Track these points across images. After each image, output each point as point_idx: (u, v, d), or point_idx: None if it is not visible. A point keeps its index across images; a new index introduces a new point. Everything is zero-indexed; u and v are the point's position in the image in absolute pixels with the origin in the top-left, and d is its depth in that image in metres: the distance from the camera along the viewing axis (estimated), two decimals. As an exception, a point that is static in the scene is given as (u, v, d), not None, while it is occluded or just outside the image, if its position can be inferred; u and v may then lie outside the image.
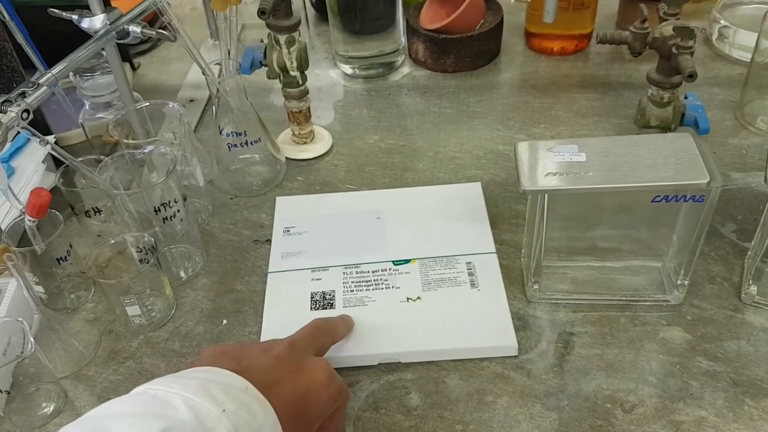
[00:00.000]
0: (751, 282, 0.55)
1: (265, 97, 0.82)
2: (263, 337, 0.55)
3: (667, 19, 0.62)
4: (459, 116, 0.79)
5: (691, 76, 0.57)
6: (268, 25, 0.65)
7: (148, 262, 0.56)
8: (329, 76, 0.86)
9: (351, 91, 0.84)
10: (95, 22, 0.61)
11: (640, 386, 0.51)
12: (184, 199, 0.59)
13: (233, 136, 0.66)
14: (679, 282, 0.55)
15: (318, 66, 0.88)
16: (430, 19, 0.85)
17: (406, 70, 0.86)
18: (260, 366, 0.43)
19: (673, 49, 0.59)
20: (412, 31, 0.85)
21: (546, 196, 0.51)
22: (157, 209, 0.56)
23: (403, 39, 0.85)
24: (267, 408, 0.38)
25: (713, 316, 0.55)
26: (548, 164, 0.50)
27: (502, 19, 0.84)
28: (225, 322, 0.58)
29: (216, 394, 0.37)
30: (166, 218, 0.57)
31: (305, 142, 0.74)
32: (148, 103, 0.64)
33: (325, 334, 0.51)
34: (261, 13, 0.58)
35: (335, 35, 0.83)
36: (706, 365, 0.52)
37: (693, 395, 0.50)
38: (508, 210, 0.66)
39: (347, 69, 0.85)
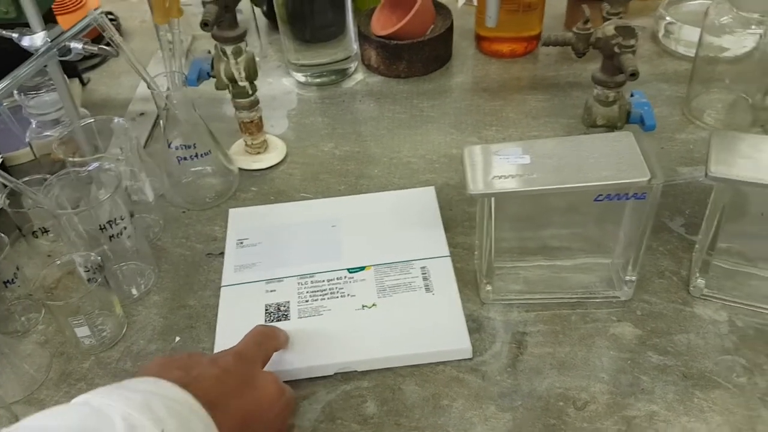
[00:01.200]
0: (698, 275, 0.56)
1: (217, 107, 0.82)
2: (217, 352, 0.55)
3: (609, 19, 0.63)
4: (413, 121, 0.79)
5: (634, 75, 0.58)
6: (214, 37, 0.64)
7: (97, 281, 0.55)
8: (282, 85, 0.86)
9: (305, 99, 0.83)
10: (36, 40, 0.60)
11: (591, 383, 0.51)
12: (132, 216, 0.58)
13: (182, 149, 0.65)
14: (627, 278, 0.56)
15: (271, 74, 0.87)
16: (381, 25, 0.85)
17: (359, 76, 0.86)
18: (207, 378, 0.42)
19: (616, 49, 0.59)
20: (363, 37, 0.85)
21: (493, 199, 0.52)
22: (102, 227, 0.55)
23: (355, 46, 0.86)
24: (209, 427, 0.38)
25: (662, 310, 0.56)
26: (494, 167, 0.51)
27: (452, 23, 0.85)
28: (178, 339, 0.57)
29: (157, 410, 0.36)
30: (113, 236, 0.56)
31: (259, 152, 0.73)
32: (92, 120, 0.63)
33: (269, 339, 0.51)
34: (204, 24, 0.57)
35: (286, 44, 0.83)
36: (657, 359, 0.53)
37: (644, 390, 0.51)
38: (461, 213, 0.66)
39: (300, 77, 0.85)
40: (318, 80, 0.85)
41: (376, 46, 0.83)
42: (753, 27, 0.67)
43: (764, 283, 0.56)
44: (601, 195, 0.49)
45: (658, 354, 0.53)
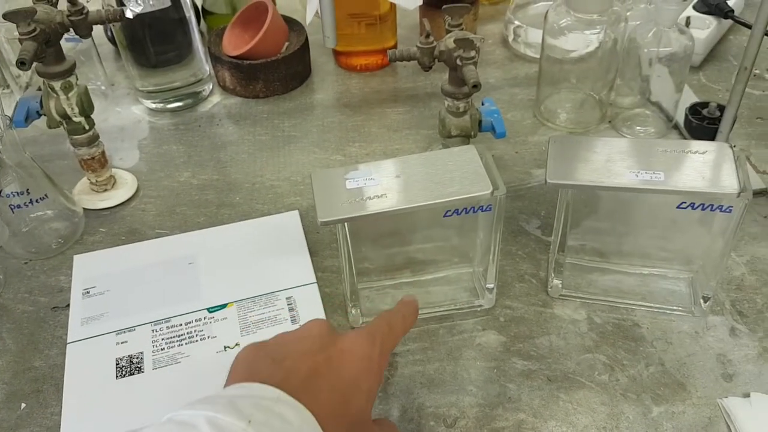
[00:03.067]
0: (553, 275, 0.57)
1: (60, 144, 0.76)
2: (65, 417, 0.50)
3: (451, 31, 0.63)
4: (274, 142, 0.77)
5: (476, 87, 0.58)
6: (39, 73, 0.59)
7: None
8: (132, 113, 0.81)
9: (157, 127, 0.79)
10: None
11: (461, 397, 0.51)
12: (-43, 277, 0.52)
13: (15, 196, 0.59)
14: (488, 285, 0.56)
15: (120, 103, 0.82)
16: (233, 45, 0.82)
17: (216, 98, 0.83)
18: (295, 355, 0.40)
19: (458, 61, 0.60)
20: (215, 58, 0.81)
21: (346, 224, 0.50)
22: None
23: (208, 67, 0.82)
24: (303, 413, 0.36)
25: (524, 314, 0.57)
26: (343, 192, 0.50)
27: (307, 39, 0.83)
28: (24, 405, 0.52)
29: (243, 408, 0.35)
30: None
31: (105, 189, 0.68)
32: None
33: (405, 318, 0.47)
34: (20, 63, 0.52)
35: (130, 70, 0.78)
36: (521, 365, 0.53)
37: (511, 398, 0.51)
38: (329, 235, 0.65)
39: (149, 104, 0.80)
40: (171, 106, 0.80)
41: (229, 66, 0.81)
42: (591, 28, 0.70)
43: (618, 277, 0.59)
44: (449, 210, 0.49)
45: (523, 359, 0.54)
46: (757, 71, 0.82)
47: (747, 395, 0.50)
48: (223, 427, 0.34)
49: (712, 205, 0.49)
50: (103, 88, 0.82)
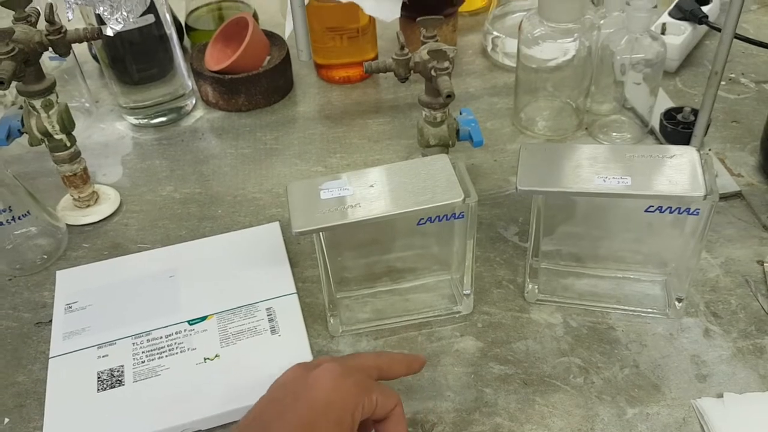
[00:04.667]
0: (529, 281, 0.58)
1: (45, 161, 0.76)
2: (47, 431, 0.51)
3: (426, 42, 0.64)
4: (257, 155, 0.78)
5: (449, 97, 0.59)
6: (20, 92, 0.60)
7: None
8: (116, 130, 0.82)
9: (140, 143, 0.80)
10: None
11: (438, 403, 0.52)
12: (-62, 295, 0.53)
13: (-4, 214, 0.60)
14: (465, 291, 0.57)
15: (103, 120, 0.83)
16: (215, 60, 0.83)
17: (199, 113, 0.84)
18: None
19: (432, 72, 0.61)
20: (197, 74, 0.82)
21: (322, 234, 0.51)
22: None
23: (190, 82, 0.83)
24: None
25: (501, 319, 0.58)
26: (318, 202, 0.50)
27: (288, 53, 0.84)
28: (7, 420, 0.53)
29: None
30: None
31: (88, 205, 0.69)
32: None
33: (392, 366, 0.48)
34: (-1, 83, 0.53)
35: (113, 87, 0.79)
36: (498, 370, 0.54)
37: (487, 403, 0.52)
38: (309, 245, 0.65)
39: (132, 120, 0.81)
40: (154, 121, 0.81)
41: (211, 81, 0.81)
42: (564, 37, 0.71)
43: (592, 280, 0.59)
44: (423, 219, 0.50)
45: (500, 364, 0.54)
46: (732, 75, 0.83)
47: (720, 396, 0.51)
48: None
49: (680, 209, 0.49)
50: (87, 105, 0.83)
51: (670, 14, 0.86)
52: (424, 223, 0.50)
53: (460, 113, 0.69)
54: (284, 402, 0.41)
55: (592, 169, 0.51)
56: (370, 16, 0.81)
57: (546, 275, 0.59)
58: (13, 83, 0.57)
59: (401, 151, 0.76)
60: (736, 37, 0.73)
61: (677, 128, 0.71)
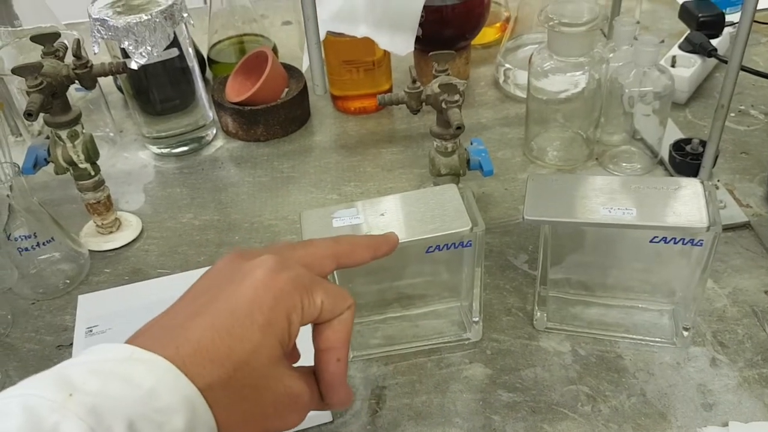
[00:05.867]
0: (537, 309, 0.59)
1: (69, 189, 0.79)
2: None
3: (438, 76, 0.66)
4: (273, 183, 0.80)
5: (459, 128, 0.61)
6: (47, 123, 0.63)
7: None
8: (139, 158, 0.85)
9: (162, 171, 0.83)
10: None
11: (447, 429, 0.53)
12: (-34, 317, 0.55)
13: (23, 239, 0.63)
14: (474, 319, 0.58)
15: (127, 149, 0.86)
16: (235, 92, 0.86)
17: (219, 142, 0.87)
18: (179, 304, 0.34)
19: (443, 105, 0.63)
20: (218, 105, 0.85)
21: (333, 260, 0.53)
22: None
23: (211, 113, 0.86)
24: (158, 367, 0.30)
25: (510, 347, 0.58)
26: (329, 230, 0.52)
27: (305, 85, 0.87)
28: (27, 440, 0.54)
29: (74, 377, 0.30)
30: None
31: (111, 232, 0.71)
32: None
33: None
34: (27, 114, 0.56)
35: (137, 117, 0.82)
36: (506, 397, 0.55)
37: (495, 430, 0.52)
38: (322, 272, 0.67)
39: (156, 149, 0.84)
40: (176, 150, 0.84)
41: (231, 112, 0.84)
42: (573, 70, 0.73)
43: (601, 309, 0.60)
44: (431, 246, 0.52)
45: (508, 391, 0.55)
46: (742, 107, 0.84)
47: (726, 425, 0.51)
48: (35, 408, 0.29)
49: (684, 239, 0.50)
50: (111, 134, 0.86)
51: (680, 47, 0.87)
52: (433, 250, 0.52)
53: (471, 143, 0.71)
54: (206, 296, 0.35)
55: (598, 200, 0.52)
56: (385, 50, 0.83)
57: (555, 303, 0.60)
58: (40, 114, 0.61)
59: (414, 179, 0.78)
60: (744, 70, 0.75)
61: (686, 159, 0.72)
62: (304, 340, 0.55)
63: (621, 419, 0.52)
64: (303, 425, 0.53)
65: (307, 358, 0.44)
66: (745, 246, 0.65)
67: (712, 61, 0.87)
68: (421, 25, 0.80)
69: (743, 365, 0.55)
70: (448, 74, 0.66)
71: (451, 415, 0.54)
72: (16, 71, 0.58)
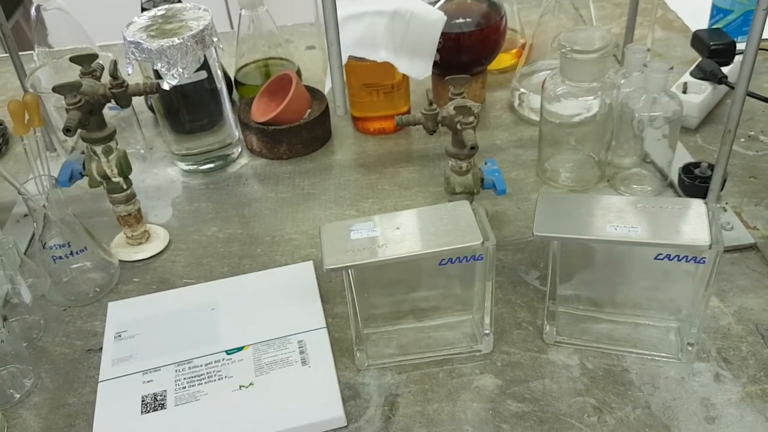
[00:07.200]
0: (547, 323, 0.61)
1: (101, 202, 0.83)
2: (94, 448, 0.55)
3: (453, 99, 0.69)
4: (295, 199, 0.83)
5: (473, 149, 0.64)
6: (83, 139, 0.67)
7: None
8: (168, 174, 0.88)
9: (189, 187, 0.86)
10: None
11: (457, 437, 0.55)
12: (5, 319, 0.59)
13: (57, 248, 0.66)
14: (485, 331, 0.60)
15: (156, 165, 0.90)
16: (260, 112, 0.89)
17: (244, 160, 0.90)
18: None
19: (458, 126, 0.66)
20: (244, 124, 0.89)
21: (351, 271, 0.55)
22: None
23: (237, 132, 0.90)
24: None
25: (520, 359, 0.60)
26: (348, 242, 0.55)
27: (327, 107, 0.90)
28: (57, 438, 0.58)
29: None
30: (-16, 342, 0.57)
31: (140, 243, 0.75)
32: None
33: None
34: (66, 130, 0.60)
35: (167, 135, 0.86)
36: (515, 407, 0.57)
37: (504, 437, 0.54)
38: (340, 284, 0.69)
39: (184, 166, 0.88)
40: (203, 167, 0.88)
41: (255, 132, 0.88)
42: (585, 95, 0.75)
43: (610, 325, 0.62)
44: (444, 259, 0.54)
45: (517, 401, 0.57)
46: (752, 132, 0.86)
47: (729, 437, 0.52)
48: None
49: (687, 257, 0.52)
50: (142, 151, 0.90)
51: (692, 74, 0.90)
52: (446, 263, 0.54)
53: (486, 163, 0.73)
54: None
55: (604, 218, 0.54)
56: (403, 74, 0.87)
57: (565, 318, 0.62)
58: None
59: (429, 197, 0.81)
60: (753, 96, 0.77)
61: (695, 182, 0.74)
62: (309, 342, 0.57)
63: (626, 430, 0.54)
64: (319, 429, 0.56)
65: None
66: (751, 267, 0.67)
67: (723, 88, 0.90)
68: (439, 50, 0.84)
69: (746, 381, 0.56)
70: (464, 97, 0.69)
71: (462, 423, 0.56)
72: (56, 89, 0.62)
